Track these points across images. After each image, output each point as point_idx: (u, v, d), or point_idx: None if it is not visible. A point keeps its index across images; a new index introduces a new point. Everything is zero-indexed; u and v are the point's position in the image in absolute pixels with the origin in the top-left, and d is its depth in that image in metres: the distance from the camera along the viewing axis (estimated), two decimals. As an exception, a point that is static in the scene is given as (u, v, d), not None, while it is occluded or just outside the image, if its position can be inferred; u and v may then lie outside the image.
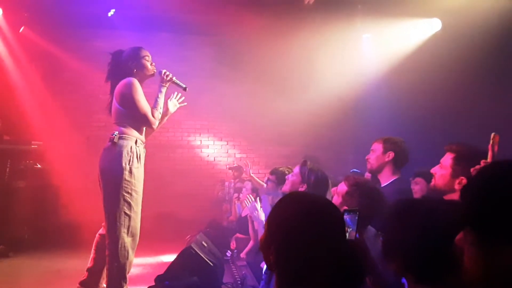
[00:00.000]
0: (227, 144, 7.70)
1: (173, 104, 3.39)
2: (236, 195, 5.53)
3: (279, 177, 3.74)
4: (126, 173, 3.00)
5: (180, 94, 3.42)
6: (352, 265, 1.21)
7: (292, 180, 3.13)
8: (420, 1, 5.33)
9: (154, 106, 3.17)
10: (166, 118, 3.39)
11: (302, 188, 2.96)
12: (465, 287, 0.93)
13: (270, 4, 5.66)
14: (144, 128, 3.23)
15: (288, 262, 1.19)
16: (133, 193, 3.03)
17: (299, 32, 6.23)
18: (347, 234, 1.52)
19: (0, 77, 6.08)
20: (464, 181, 2.11)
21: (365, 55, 6.55)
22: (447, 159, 2.25)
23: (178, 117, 5.15)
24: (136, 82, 3.08)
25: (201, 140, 7.54)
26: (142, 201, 3.14)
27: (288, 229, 1.21)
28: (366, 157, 2.98)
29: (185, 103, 3.44)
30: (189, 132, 7.16)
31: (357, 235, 1.56)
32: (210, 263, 3.40)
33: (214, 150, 7.62)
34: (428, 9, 5.55)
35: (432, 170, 2.34)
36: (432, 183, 2.33)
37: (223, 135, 7.68)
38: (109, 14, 6.17)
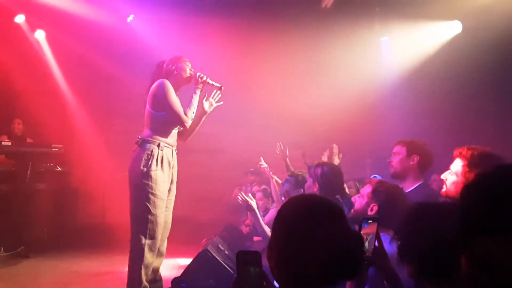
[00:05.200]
0: (243, 148, 7.70)
1: (209, 104, 3.39)
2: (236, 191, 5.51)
3: (297, 180, 3.73)
4: (144, 176, 3.05)
5: (218, 93, 3.42)
6: (349, 261, 1.19)
7: (307, 185, 3.13)
8: (440, 4, 5.26)
9: (187, 106, 3.24)
10: (203, 118, 3.41)
11: (315, 188, 2.95)
12: None
13: (287, 8, 5.66)
14: (175, 131, 3.27)
15: (288, 260, 1.21)
16: (151, 196, 3.05)
17: (317, 36, 6.22)
18: (366, 243, 1.50)
19: (24, 81, 6.22)
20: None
21: (383, 58, 6.48)
22: (458, 165, 2.16)
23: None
24: (167, 83, 3.15)
25: (217, 144, 7.56)
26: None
27: (288, 229, 1.23)
28: (388, 160, 2.85)
29: (222, 102, 3.45)
30: (205, 136, 7.18)
31: (377, 243, 1.54)
32: (226, 266, 3.39)
33: (230, 154, 7.63)
34: (449, 12, 5.47)
35: (443, 176, 2.25)
36: (444, 189, 2.24)
37: (238, 139, 7.69)
38: (128, 19, 6.27)
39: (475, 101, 4.86)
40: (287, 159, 5.44)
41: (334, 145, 4.00)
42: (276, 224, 1.29)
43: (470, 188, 0.94)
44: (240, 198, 3.46)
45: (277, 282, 1.27)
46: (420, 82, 5.65)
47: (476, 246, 0.87)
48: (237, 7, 5.88)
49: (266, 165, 4.99)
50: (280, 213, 1.30)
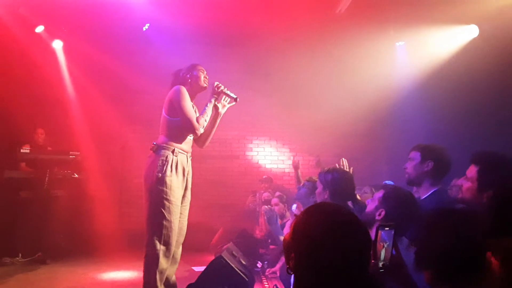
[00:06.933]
0: (257, 155, 7.70)
1: (222, 105, 3.43)
2: (264, 207, 5.52)
3: (314, 186, 3.70)
4: (159, 182, 3.07)
5: (227, 99, 3.46)
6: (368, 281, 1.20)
7: (317, 192, 3.10)
8: (456, 8, 5.19)
9: (201, 113, 3.28)
10: (218, 120, 3.44)
11: (326, 195, 2.92)
12: None
13: (301, 14, 5.65)
14: (189, 138, 3.30)
15: (306, 270, 1.22)
16: (165, 202, 3.07)
17: (331, 41, 6.20)
18: (383, 250, 1.48)
19: (43, 90, 6.34)
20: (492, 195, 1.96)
21: (398, 64, 6.42)
22: (472, 171, 2.14)
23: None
24: (183, 89, 3.19)
25: (231, 151, 7.58)
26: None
27: (309, 238, 1.23)
28: (403, 166, 2.78)
29: (234, 103, 3.46)
30: (219, 142, 7.23)
31: (394, 251, 1.52)
32: (240, 273, 3.38)
33: (244, 161, 7.64)
34: (465, 16, 5.40)
35: (459, 182, 2.24)
36: (460, 195, 2.22)
37: (253, 145, 7.70)
38: (144, 28, 6.36)
39: (493, 106, 4.76)
40: (299, 171, 5.55)
41: (343, 159, 4.01)
42: (299, 228, 1.28)
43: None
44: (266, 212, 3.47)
45: (294, 279, 1.28)
46: (436, 87, 5.57)
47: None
48: (249, 15, 5.88)
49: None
50: (304, 218, 1.29)
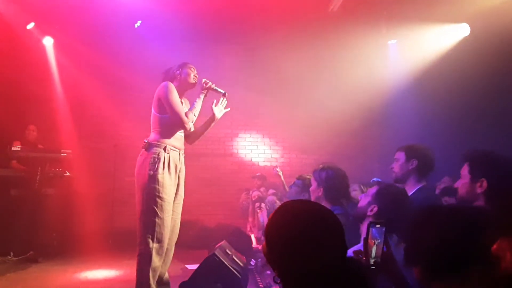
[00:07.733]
0: (251, 153, 7.71)
1: (219, 110, 3.47)
2: (257, 204, 5.53)
3: (304, 183, 3.72)
4: (151, 179, 3.07)
5: (224, 100, 3.51)
6: (352, 275, 1.22)
7: (312, 189, 3.11)
8: (448, 6, 5.23)
9: (190, 108, 3.30)
10: (213, 124, 3.48)
11: (320, 192, 2.94)
12: None
13: (294, 12, 5.65)
14: (180, 135, 3.30)
15: (290, 273, 1.23)
16: (158, 200, 3.07)
17: (323, 39, 6.21)
18: (374, 247, 1.50)
19: (33, 87, 6.28)
20: (485, 182, 2.06)
21: (390, 62, 6.46)
22: (465, 168, 2.22)
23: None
24: (170, 85, 3.20)
25: (224, 149, 7.57)
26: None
27: (285, 241, 1.24)
28: (390, 166, 2.91)
29: (229, 108, 3.54)
30: (212, 140, 7.22)
31: (385, 248, 1.53)
32: (234, 271, 3.38)
33: (237, 158, 7.64)
34: (456, 14, 5.45)
35: (456, 184, 2.31)
36: (458, 195, 2.28)
37: (246, 143, 7.70)
38: (136, 25, 6.32)
39: (484, 104, 4.81)
40: (282, 178, 5.69)
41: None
42: (272, 232, 1.29)
43: None
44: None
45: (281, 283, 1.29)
46: (428, 85, 5.62)
47: None
48: (241, 13, 5.87)
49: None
50: (274, 222, 1.30)
